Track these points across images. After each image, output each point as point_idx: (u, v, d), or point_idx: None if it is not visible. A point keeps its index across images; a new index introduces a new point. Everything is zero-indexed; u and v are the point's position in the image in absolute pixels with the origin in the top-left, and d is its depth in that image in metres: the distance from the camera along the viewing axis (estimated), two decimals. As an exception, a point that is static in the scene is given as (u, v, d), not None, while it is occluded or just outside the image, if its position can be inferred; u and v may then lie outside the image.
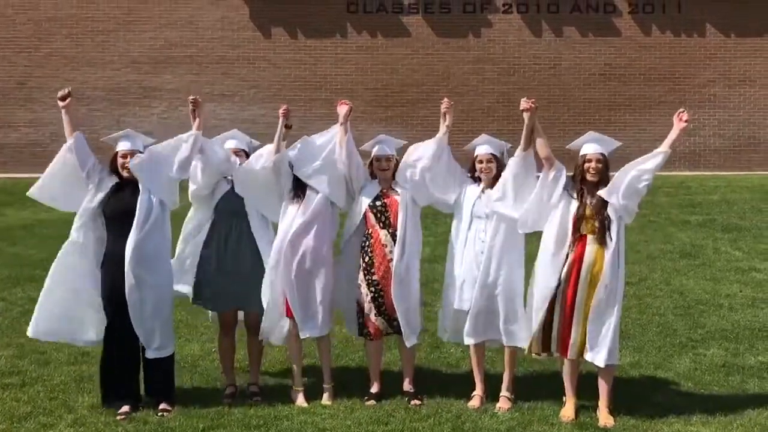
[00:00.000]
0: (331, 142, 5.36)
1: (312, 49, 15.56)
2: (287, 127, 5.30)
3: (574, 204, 5.00)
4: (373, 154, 5.41)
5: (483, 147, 5.37)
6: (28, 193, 5.40)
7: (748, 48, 15.72)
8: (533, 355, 5.12)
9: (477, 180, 5.35)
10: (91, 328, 5.17)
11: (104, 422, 4.94)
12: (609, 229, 4.92)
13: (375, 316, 5.25)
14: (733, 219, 11.06)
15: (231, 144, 5.52)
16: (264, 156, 5.34)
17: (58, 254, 5.20)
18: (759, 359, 6.00)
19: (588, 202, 4.98)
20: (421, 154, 5.33)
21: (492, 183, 5.28)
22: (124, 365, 5.08)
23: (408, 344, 5.26)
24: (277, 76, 15.59)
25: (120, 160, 5.18)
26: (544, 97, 15.62)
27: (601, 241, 4.93)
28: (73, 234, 5.16)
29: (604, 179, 5.03)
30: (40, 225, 10.89)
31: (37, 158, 15.46)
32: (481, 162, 5.32)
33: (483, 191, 5.29)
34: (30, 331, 5.18)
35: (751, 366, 5.87)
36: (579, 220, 4.96)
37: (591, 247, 4.93)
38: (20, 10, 15.42)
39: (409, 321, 5.22)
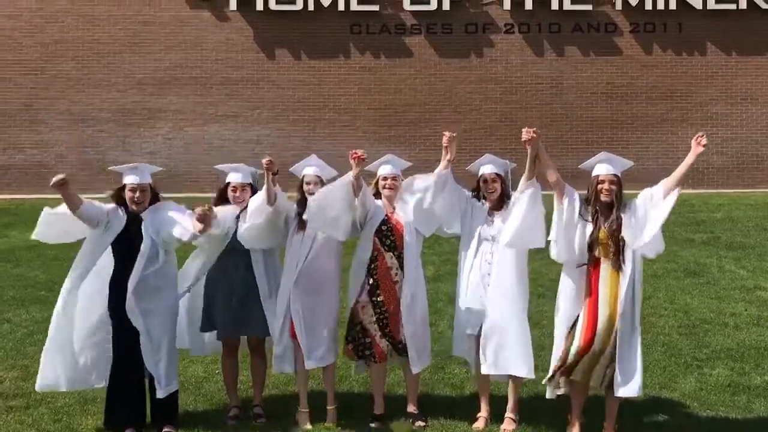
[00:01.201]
0: (342, 196, 5.16)
1: (315, 70, 15.66)
2: (274, 174, 5.14)
3: (589, 227, 4.95)
4: (379, 173, 5.41)
5: (487, 167, 5.35)
6: (33, 236, 5.45)
7: (750, 66, 15.78)
8: (554, 390, 4.97)
9: (482, 198, 5.34)
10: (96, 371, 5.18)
11: (108, 445, 4.93)
12: (623, 253, 4.86)
13: (380, 337, 5.24)
14: (737, 237, 11.03)
15: (236, 178, 5.40)
16: (256, 210, 5.17)
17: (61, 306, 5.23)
18: (765, 379, 5.97)
19: (602, 225, 4.92)
20: (422, 187, 5.29)
21: (497, 202, 5.26)
22: (130, 389, 5.08)
23: (414, 371, 5.25)
24: (281, 96, 15.69)
25: (128, 194, 5.14)
26: (547, 116, 15.70)
27: (617, 266, 4.87)
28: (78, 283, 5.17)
29: (618, 200, 4.97)
30: (44, 246, 10.77)
31: (43, 180, 15.50)
32: (485, 182, 5.32)
33: (489, 213, 5.27)
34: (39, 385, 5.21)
35: (757, 386, 5.84)
36: (593, 243, 4.90)
37: (606, 272, 4.87)
38: (27, 33, 15.57)
39: (416, 347, 5.21)
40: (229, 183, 5.43)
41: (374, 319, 5.22)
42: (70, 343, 5.12)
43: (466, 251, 5.28)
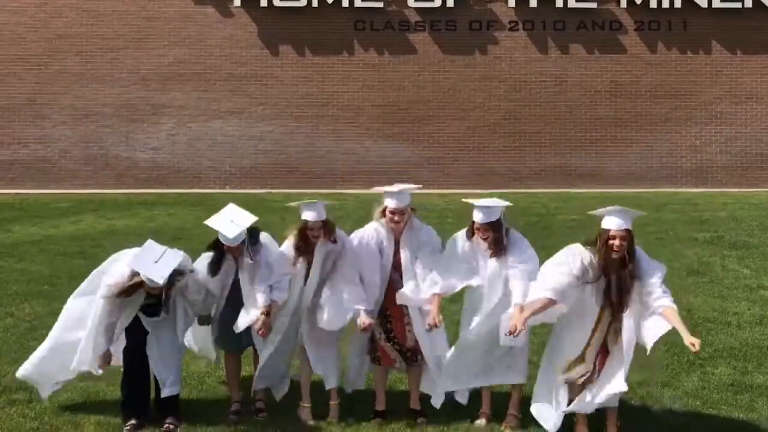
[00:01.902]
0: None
1: (319, 67, 15.66)
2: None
3: (588, 289, 4.86)
4: (386, 206, 5.20)
5: (478, 216, 5.06)
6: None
7: (755, 65, 15.73)
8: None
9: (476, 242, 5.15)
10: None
11: (110, 439, 4.95)
12: (627, 307, 4.86)
13: (384, 341, 5.27)
14: (741, 236, 11.00)
15: (233, 232, 5.06)
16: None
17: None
18: (768, 378, 5.96)
19: (612, 281, 4.82)
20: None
21: (494, 247, 5.07)
22: (140, 382, 5.21)
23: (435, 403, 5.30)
24: (285, 93, 15.68)
25: (146, 286, 5.04)
26: (551, 114, 15.68)
27: (617, 318, 4.88)
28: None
29: (630, 255, 4.85)
30: (47, 241, 10.93)
31: (46, 174, 15.59)
32: (479, 230, 5.10)
33: (491, 257, 5.11)
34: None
35: (760, 384, 5.83)
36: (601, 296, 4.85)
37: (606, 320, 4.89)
38: (31, 28, 15.58)
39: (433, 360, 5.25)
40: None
41: (378, 322, 5.24)
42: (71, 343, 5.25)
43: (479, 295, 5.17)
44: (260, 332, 5.12)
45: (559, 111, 15.62)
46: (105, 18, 15.58)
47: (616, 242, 4.79)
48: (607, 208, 4.90)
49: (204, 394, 5.70)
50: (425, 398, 5.41)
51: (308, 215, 5.14)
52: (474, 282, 5.12)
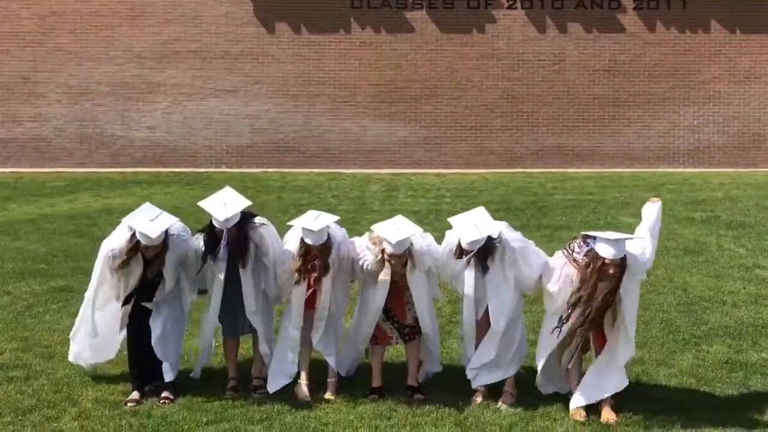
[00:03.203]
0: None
1: (316, 45, 15.54)
2: None
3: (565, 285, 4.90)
4: (386, 249, 5.06)
5: (466, 242, 4.98)
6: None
7: (754, 44, 15.66)
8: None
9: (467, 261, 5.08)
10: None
11: (108, 415, 4.97)
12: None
13: (383, 321, 5.29)
14: (737, 216, 11.03)
15: (225, 215, 5.03)
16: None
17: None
18: (762, 356, 5.99)
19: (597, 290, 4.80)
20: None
21: (481, 262, 5.04)
22: (142, 354, 5.28)
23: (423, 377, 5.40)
24: (281, 71, 15.58)
25: (143, 249, 5.10)
26: (548, 93, 15.62)
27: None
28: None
29: (619, 282, 4.83)
30: (43, 219, 10.91)
31: (41, 153, 15.51)
32: (465, 252, 5.05)
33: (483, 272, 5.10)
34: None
35: (754, 362, 5.86)
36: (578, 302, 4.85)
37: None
38: (24, 4, 15.41)
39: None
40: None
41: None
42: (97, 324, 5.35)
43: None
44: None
45: (557, 90, 15.56)
46: (99, -5, 15.42)
47: (611, 270, 4.75)
48: (605, 233, 4.85)
49: (203, 369, 5.71)
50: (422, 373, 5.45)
51: (310, 239, 5.09)
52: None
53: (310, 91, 15.54)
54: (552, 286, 4.98)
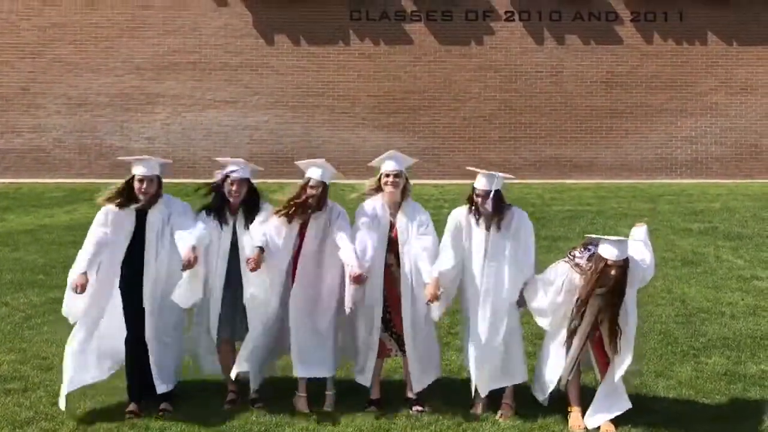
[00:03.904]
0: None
1: (315, 56, 15.60)
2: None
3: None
4: (382, 170, 5.29)
5: (481, 182, 5.13)
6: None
7: (750, 56, 15.74)
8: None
9: (475, 213, 5.15)
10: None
11: (106, 428, 4.96)
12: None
13: (383, 332, 5.27)
14: (734, 227, 11.05)
15: (234, 174, 5.27)
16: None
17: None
18: (761, 368, 5.99)
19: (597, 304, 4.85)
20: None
21: (492, 217, 5.11)
22: (140, 365, 5.24)
23: (417, 388, 5.27)
24: (280, 82, 15.63)
25: (137, 185, 5.25)
26: (546, 105, 15.67)
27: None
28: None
29: (623, 287, 4.86)
30: (42, 230, 10.91)
31: (40, 164, 15.53)
32: (478, 196, 5.13)
33: (488, 229, 5.13)
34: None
35: (753, 374, 5.87)
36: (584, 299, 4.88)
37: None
38: (24, 16, 15.48)
39: (421, 359, 5.24)
40: (227, 176, 5.33)
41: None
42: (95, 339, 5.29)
43: (471, 272, 5.17)
44: (250, 263, 5.02)
45: (555, 102, 15.61)
46: (99, 6, 15.49)
47: (613, 272, 4.75)
48: (608, 237, 4.86)
49: (201, 382, 5.70)
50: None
51: (313, 173, 5.21)
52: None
53: (309, 102, 15.58)
54: (556, 297, 4.98)
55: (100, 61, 15.50)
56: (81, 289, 5.02)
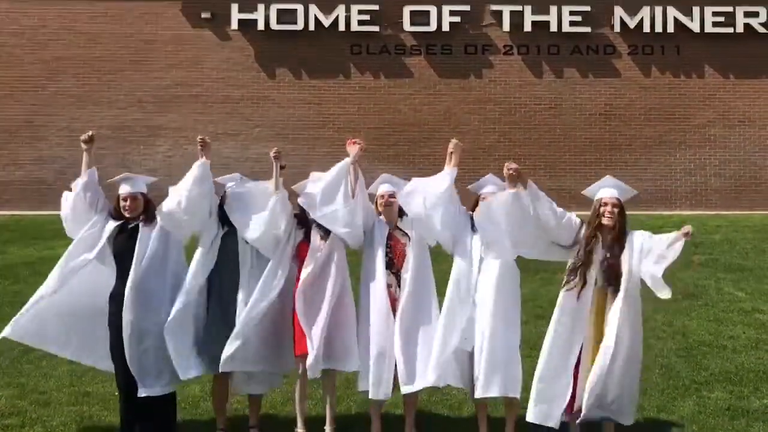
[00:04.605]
0: (342, 183, 5.33)
1: (316, 89, 15.75)
2: (282, 167, 5.36)
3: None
4: (377, 193, 5.47)
5: (489, 187, 5.39)
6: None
7: (747, 89, 15.87)
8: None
9: None
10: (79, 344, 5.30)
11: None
12: (619, 280, 4.81)
13: None
14: (735, 259, 11.03)
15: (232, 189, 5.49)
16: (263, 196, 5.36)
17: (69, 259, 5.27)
18: (764, 402, 5.95)
19: (598, 249, 4.85)
20: (429, 190, 5.24)
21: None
22: (133, 405, 5.13)
23: (404, 390, 5.17)
24: (281, 115, 15.75)
25: (121, 203, 5.35)
26: (545, 137, 15.77)
27: (611, 291, 4.84)
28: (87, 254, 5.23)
29: (620, 227, 4.93)
30: (42, 262, 10.87)
31: (42, 196, 15.57)
32: (484, 199, 5.29)
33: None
34: (7, 331, 5.28)
35: (756, 409, 5.82)
36: (583, 266, 4.89)
37: (596, 298, 4.86)
38: (29, 50, 15.66)
39: (409, 365, 5.13)
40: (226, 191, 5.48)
41: None
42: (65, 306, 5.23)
43: (466, 270, 5.21)
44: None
45: (554, 134, 15.71)
46: (103, 40, 15.67)
47: (608, 208, 4.89)
48: (600, 180, 5.09)
49: (199, 418, 5.66)
50: (421, 423, 5.38)
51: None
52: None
53: (310, 135, 15.68)
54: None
55: (102, 94, 15.64)
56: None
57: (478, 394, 5.05)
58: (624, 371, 4.79)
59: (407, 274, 5.21)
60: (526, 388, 5.10)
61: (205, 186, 5.30)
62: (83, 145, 5.49)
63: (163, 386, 5.15)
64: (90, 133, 5.52)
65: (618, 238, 4.90)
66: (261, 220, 5.26)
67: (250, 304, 5.12)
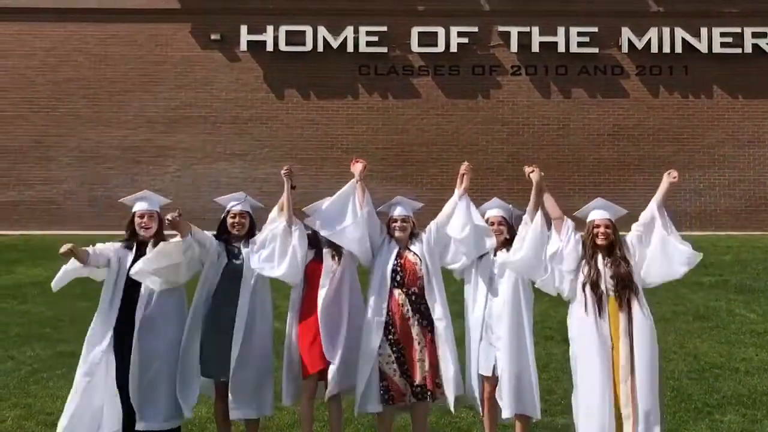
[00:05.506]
0: (350, 200, 5.39)
1: (324, 110, 15.82)
2: (293, 188, 5.36)
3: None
4: (390, 215, 5.48)
5: (494, 210, 5.49)
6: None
7: (756, 109, 15.85)
8: None
9: None
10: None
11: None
12: (629, 292, 4.88)
13: (399, 377, 5.18)
14: (746, 280, 10.93)
15: (235, 208, 5.55)
16: (275, 226, 5.38)
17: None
18: (778, 426, 5.86)
19: (601, 266, 4.97)
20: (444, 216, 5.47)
21: (502, 244, 5.36)
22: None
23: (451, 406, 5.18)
24: (290, 135, 15.81)
25: (137, 220, 5.35)
26: (554, 158, 15.75)
27: (623, 307, 4.89)
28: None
29: (615, 244, 5.06)
30: (49, 283, 10.87)
31: (51, 216, 15.64)
32: (492, 224, 5.42)
33: (495, 253, 5.36)
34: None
35: (770, 433, 5.73)
36: (591, 284, 4.93)
37: (610, 312, 4.90)
38: (39, 72, 15.82)
39: (451, 381, 5.14)
40: (229, 211, 5.53)
41: (393, 358, 5.16)
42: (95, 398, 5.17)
43: (472, 290, 5.32)
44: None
45: (562, 154, 15.69)
46: (113, 62, 15.81)
47: (601, 230, 5.05)
48: (590, 203, 5.23)
49: (205, 441, 5.61)
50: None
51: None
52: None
53: (318, 155, 15.72)
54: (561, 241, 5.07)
55: (112, 115, 15.75)
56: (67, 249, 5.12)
57: (506, 414, 5.11)
58: (653, 380, 4.83)
59: (425, 292, 5.17)
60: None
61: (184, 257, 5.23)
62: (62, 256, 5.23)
63: (161, 422, 5.12)
64: (68, 246, 5.29)
65: (615, 251, 5.04)
66: (287, 259, 5.27)
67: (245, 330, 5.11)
